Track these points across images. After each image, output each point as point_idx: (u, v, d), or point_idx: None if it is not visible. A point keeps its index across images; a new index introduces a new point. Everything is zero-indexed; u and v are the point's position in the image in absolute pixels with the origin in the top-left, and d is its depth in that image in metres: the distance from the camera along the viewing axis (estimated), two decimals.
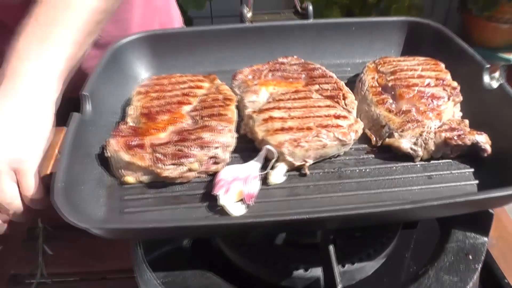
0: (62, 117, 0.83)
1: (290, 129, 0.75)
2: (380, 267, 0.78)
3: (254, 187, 0.69)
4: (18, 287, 0.98)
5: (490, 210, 0.74)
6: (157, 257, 0.74)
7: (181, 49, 1.03)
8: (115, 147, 0.77)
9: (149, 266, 0.73)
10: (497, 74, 0.85)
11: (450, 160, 0.79)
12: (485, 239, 0.75)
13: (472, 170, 0.77)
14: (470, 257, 0.73)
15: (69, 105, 0.84)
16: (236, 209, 0.67)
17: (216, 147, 0.75)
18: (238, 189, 0.68)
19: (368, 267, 0.77)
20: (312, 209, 0.67)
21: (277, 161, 0.75)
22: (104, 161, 0.79)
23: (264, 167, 0.75)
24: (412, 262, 0.80)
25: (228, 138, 0.77)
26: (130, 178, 0.77)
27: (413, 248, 0.82)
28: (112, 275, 1.00)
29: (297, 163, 0.74)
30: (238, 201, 0.69)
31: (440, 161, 0.78)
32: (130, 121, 0.85)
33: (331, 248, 0.67)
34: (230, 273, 0.76)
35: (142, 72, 1.02)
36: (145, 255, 0.74)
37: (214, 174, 0.75)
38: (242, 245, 0.77)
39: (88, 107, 0.83)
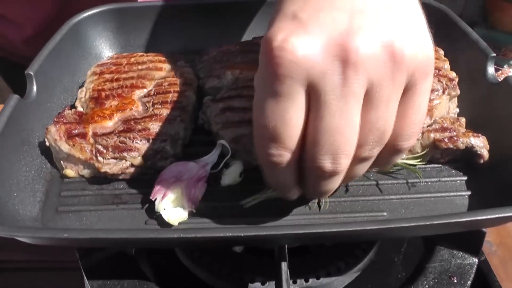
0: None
1: (250, 122, 0.64)
2: (351, 283, 0.68)
3: (198, 191, 0.59)
4: None
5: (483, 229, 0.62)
6: (94, 262, 0.66)
7: (149, 25, 0.92)
8: (55, 135, 0.68)
9: (84, 273, 0.65)
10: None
11: (441, 165, 0.67)
12: (474, 260, 0.64)
13: (465, 178, 0.65)
14: (455, 280, 0.62)
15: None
16: (176, 216, 0.58)
17: (164, 140, 0.65)
18: (178, 193, 0.58)
19: (337, 283, 0.67)
20: (260, 221, 0.56)
21: (232, 158, 0.64)
22: (47, 149, 0.70)
23: (218, 164, 0.65)
24: (389, 279, 0.69)
25: (179, 129, 0.66)
26: (70, 171, 0.68)
27: (392, 264, 0.71)
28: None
29: (255, 162, 0.63)
30: (179, 206, 0.59)
31: (428, 165, 0.67)
32: (78, 105, 0.75)
33: (284, 265, 0.57)
34: (178, 281, 0.67)
35: (106, 50, 0.92)
36: (80, 260, 0.65)
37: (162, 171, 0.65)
38: (194, 251, 0.68)
39: (32, 88, 0.74)
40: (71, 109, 0.73)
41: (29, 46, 1.11)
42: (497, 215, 0.50)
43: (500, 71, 0.66)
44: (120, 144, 0.65)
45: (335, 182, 0.48)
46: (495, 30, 2.45)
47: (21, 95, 0.71)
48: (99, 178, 0.67)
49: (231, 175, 0.63)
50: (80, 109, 0.75)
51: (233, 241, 0.50)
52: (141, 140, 0.64)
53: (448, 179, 0.65)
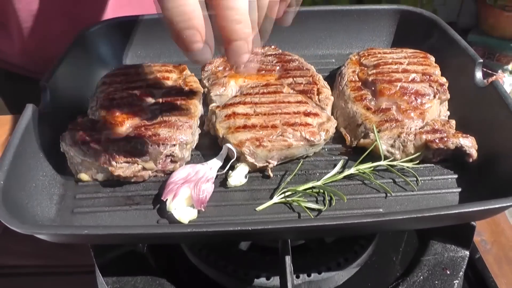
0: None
1: (253, 127, 0.69)
2: (351, 277, 0.72)
3: (206, 191, 0.63)
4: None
5: (472, 223, 0.66)
6: (108, 260, 0.69)
7: (154, 36, 0.96)
8: (69, 142, 0.72)
9: (99, 270, 0.69)
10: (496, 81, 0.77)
11: (433, 165, 0.71)
12: (466, 252, 0.68)
13: (456, 176, 0.70)
14: (448, 272, 0.66)
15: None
16: (186, 215, 0.62)
17: (173, 145, 0.69)
18: (187, 194, 0.62)
19: (338, 277, 0.71)
20: (266, 219, 0.61)
21: (238, 161, 0.69)
22: (62, 155, 0.74)
23: (225, 167, 0.69)
24: (387, 273, 0.73)
25: (187, 135, 0.71)
26: (84, 176, 0.72)
27: (389, 259, 0.75)
28: (87, 268, 0.96)
29: (260, 164, 0.68)
30: (189, 206, 0.63)
31: (420, 165, 0.71)
32: (90, 113, 0.80)
33: (288, 259, 0.61)
34: (186, 278, 0.71)
35: (113, 61, 0.96)
36: (95, 258, 0.69)
37: (172, 173, 0.70)
38: (203, 248, 0.71)
39: (46, 98, 0.78)
40: (83, 117, 0.77)
41: (26, 57, 1.12)
42: (484, 207, 0.55)
43: (494, 76, 0.70)
44: (132, 149, 0.69)
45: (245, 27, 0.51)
46: (490, 36, 2.50)
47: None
48: (112, 181, 0.71)
49: (237, 177, 0.67)
50: (91, 117, 0.79)
51: (241, 235, 0.54)
52: (152, 145, 0.69)
53: (439, 177, 0.70)
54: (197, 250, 0.72)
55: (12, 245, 1.00)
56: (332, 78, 0.85)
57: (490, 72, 0.80)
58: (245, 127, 0.69)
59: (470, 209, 0.54)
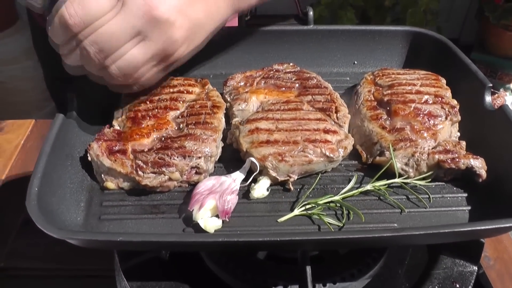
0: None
1: (275, 142, 0.72)
2: (364, 287, 0.75)
3: (230, 202, 0.66)
4: (8, 281, 0.97)
5: (481, 239, 0.70)
6: (133, 266, 0.73)
7: None
8: (97, 151, 0.75)
9: (123, 275, 0.72)
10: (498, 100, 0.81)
11: (443, 183, 0.75)
12: (474, 267, 0.71)
13: (466, 195, 0.73)
14: (457, 286, 0.70)
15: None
16: (211, 224, 0.65)
17: (199, 157, 0.73)
18: (213, 204, 0.65)
19: (351, 287, 0.74)
20: (288, 230, 0.64)
21: (260, 174, 0.72)
22: (87, 163, 0.78)
23: (247, 179, 0.73)
24: (397, 284, 0.77)
25: (212, 148, 0.74)
26: (111, 184, 0.75)
27: (400, 271, 0.78)
28: (96, 272, 0.99)
29: (281, 178, 0.71)
30: (214, 216, 0.66)
31: (432, 183, 0.74)
32: (116, 124, 0.83)
33: (308, 268, 0.64)
34: (208, 285, 0.74)
35: None
36: (120, 263, 0.72)
37: (196, 184, 0.73)
38: (222, 257, 0.75)
39: (73, 107, 0.82)
40: (109, 128, 0.81)
41: None
42: (494, 226, 0.58)
43: (496, 94, 0.74)
44: (159, 160, 0.72)
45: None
46: (491, 55, 2.56)
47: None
48: (137, 190, 0.75)
49: (259, 189, 0.71)
50: (117, 127, 0.82)
51: (268, 245, 0.57)
52: (178, 157, 0.72)
53: (450, 195, 0.73)
54: (216, 258, 0.75)
55: (24, 249, 1.03)
56: (347, 96, 0.89)
57: (492, 90, 0.84)
58: (268, 142, 0.72)
59: (482, 227, 0.58)
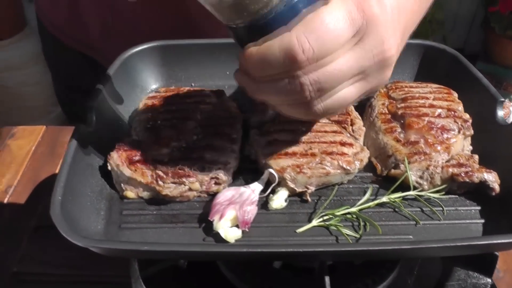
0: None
1: (293, 154, 0.74)
2: None
3: (250, 213, 0.68)
4: (20, 286, 0.98)
5: (496, 252, 0.71)
6: (152, 274, 0.74)
7: (191, 60, 1.02)
8: (117, 161, 0.77)
9: (143, 283, 0.73)
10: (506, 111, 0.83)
11: (457, 196, 0.76)
12: (488, 280, 0.73)
13: (479, 208, 0.75)
14: None
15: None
16: (232, 234, 0.67)
17: (218, 168, 0.74)
18: (233, 215, 0.67)
19: None
20: (307, 241, 0.66)
21: (278, 185, 0.74)
22: (106, 173, 0.79)
23: (266, 190, 0.74)
24: None
25: (230, 159, 0.76)
26: (130, 193, 0.77)
27: (414, 282, 0.80)
28: (107, 279, 1.00)
29: (299, 189, 0.73)
30: (234, 226, 0.68)
31: (446, 196, 0.76)
32: (134, 135, 0.84)
33: (327, 279, 0.66)
34: None
35: (152, 82, 1.01)
36: (140, 271, 0.74)
37: (215, 194, 0.75)
38: (238, 265, 0.76)
39: (93, 118, 0.83)
40: (128, 138, 0.82)
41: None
42: (509, 240, 0.60)
43: (502, 105, 0.76)
44: (179, 171, 0.74)
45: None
46: (497, 65, 2.57)
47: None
48: (156, 200, 0.76)
49: (278, 200, 0.72)
50: (135, 137, 0.84)
51: (290, 256, 0.58)
52: (198, 168, 0.74)
53: (463, 208, 0.75)
54: (232, 267, 0.76)
55: (36, 254, 1.05)
56: (361, 108, 0.91)
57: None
58: (286, 154, 0.74)
59: (499, 241, 0.59)
